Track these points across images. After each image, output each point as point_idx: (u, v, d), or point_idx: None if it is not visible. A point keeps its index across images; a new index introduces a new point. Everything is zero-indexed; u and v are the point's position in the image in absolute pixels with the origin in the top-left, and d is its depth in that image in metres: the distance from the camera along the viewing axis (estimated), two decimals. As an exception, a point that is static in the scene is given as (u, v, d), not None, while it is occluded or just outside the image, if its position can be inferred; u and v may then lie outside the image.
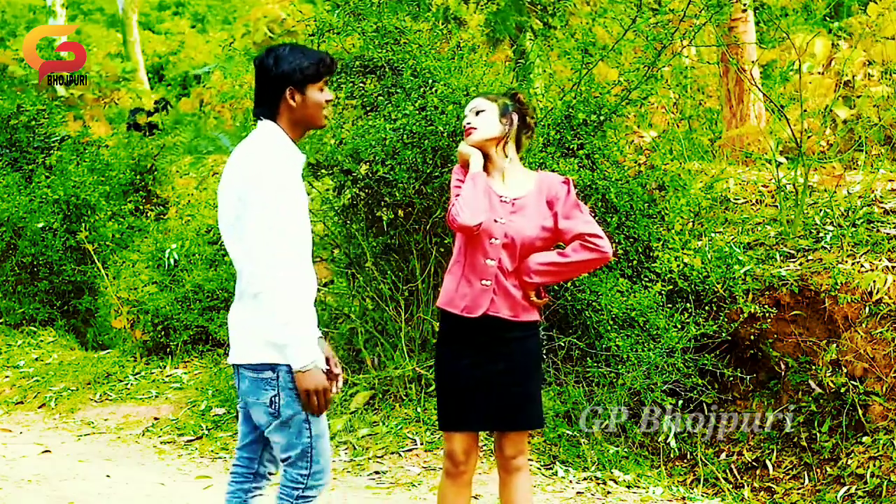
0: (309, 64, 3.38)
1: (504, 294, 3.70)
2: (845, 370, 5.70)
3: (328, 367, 3.35)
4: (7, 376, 8.34)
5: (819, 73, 9.19)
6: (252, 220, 3.22)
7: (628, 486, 5.47)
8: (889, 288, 5.69)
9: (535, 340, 3.83)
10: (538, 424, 3.89)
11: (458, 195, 3.70)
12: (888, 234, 6.05)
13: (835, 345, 5.77)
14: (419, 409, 6.15)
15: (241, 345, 3.35)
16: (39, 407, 7.65)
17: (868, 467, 5.40)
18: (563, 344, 6.05)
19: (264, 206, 3.21)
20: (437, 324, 6.23)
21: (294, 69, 3.36)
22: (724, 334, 5.92)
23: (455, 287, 3.74)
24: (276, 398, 3.29)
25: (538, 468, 5.58)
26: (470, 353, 3.71)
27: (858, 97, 8.37)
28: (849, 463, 5.49)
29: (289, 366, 3.24)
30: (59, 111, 10.87)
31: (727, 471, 5.84)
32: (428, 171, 6.16)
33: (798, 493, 5.60)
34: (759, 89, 8.49)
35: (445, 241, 6.19)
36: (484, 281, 3.68)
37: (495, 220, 3.68)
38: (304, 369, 3.21)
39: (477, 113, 3.81)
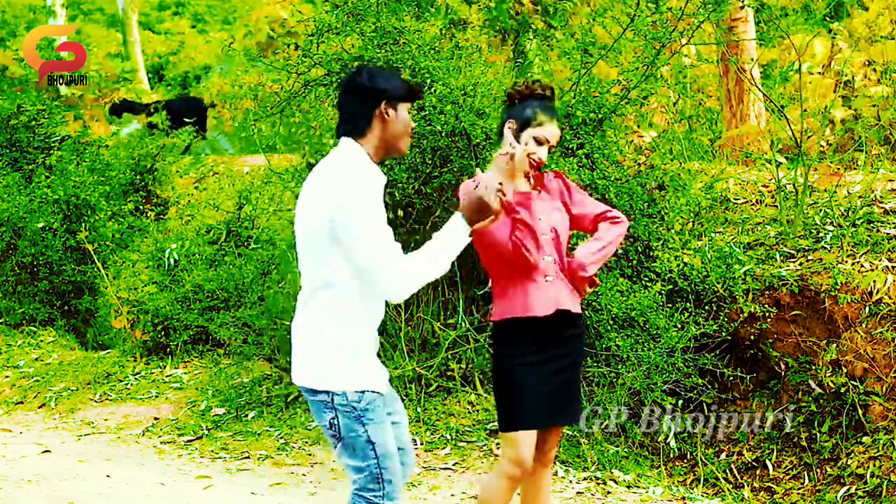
0: (402, 84, 3.41)
1: (564, 286, 3.79)
2: (845, 370, 5.70)
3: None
4: (7, 376, 8.34)
5: (819, 73, 9.19)
6: (356, 237, 3.21)
7: (628, 486, 5.47)
8: (889, 288, 5.69)
9: (584, 336, 3.97)
10: (578, 417, 4.03)
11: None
12: (888, 234, 6.05)
13: (835, 345, 5.77)
14: (419, 410, 6.15)
15: (299, 365, 3.37)
16: (39, 407, 7.65)
17: (868, 467, 5.40)
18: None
19: (363, 225, 3.21)
20: (437, 325, 6.24)
21: (391, 85, 3.38)
22: (724, 334, 5.92)
23: (521, 293, 3.74)
24: (336, 420, 3.30)
25: (538, 468, 5.59)
26: (535, 354, 3.75)
27: (857, 97, 8.37)
28: (849, 463, 5.49)
29: (343, 391, 3.27)
30: (59, 111, 10.87)
31: (727, 471, 5.84)
32: (427, 171, 6.16)
33: (798, 493, 5.60)
34: (759, 89, 8.49)
35: (445, 241, 6.19)
36: (547, 277, 3.75)
37: (540, 218, 3.76)
38: (470, 228, 3.31)
39: (550, 149, 3.79)
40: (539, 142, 3.75)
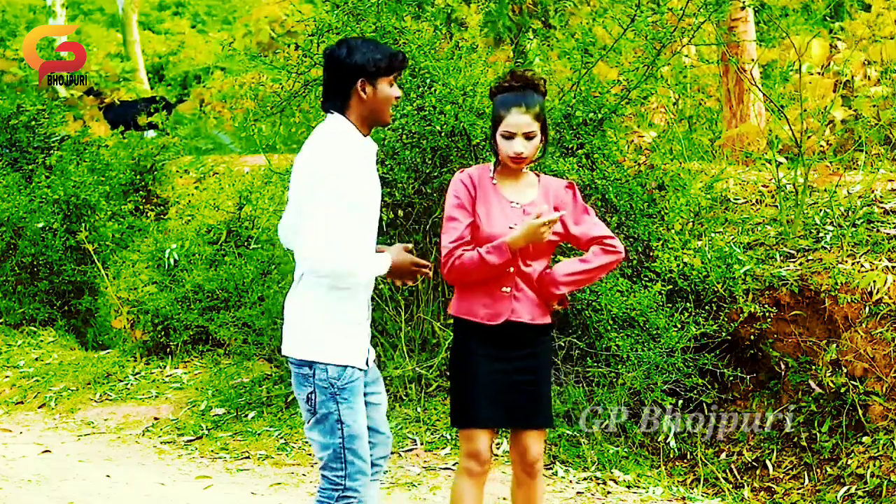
0: (382, 56, 3.36)
1: (524, 298, 3.72)
2: (845, 370, 5.70)
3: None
4: (7, 376, 8.34)
5: (818, 73, 9.19)
6: (316, 201, 3.26)
7: (628, 486, 5.47)
8: (889, 288, 5.69)
9: (551, 342, 3.91)
10: (551, 424, 3.95)
11: (458, 243, 3.67)
12: (888, 234, 6.05)
13: (835, 345, 5.77)
14: (419, 409, 6.15)
15: (287, 336, 3.43)
16: (39, 407, 7.65)
17: (868, 467, 5.40)
18: (563, 344, 6.04)
19: (330, 189, 3.25)
20: (437, 325, 6.24)
21: (367, 60, 3.35)
22: (724, 334, 5.92)
23: (473, 295, 3.73)
24: (313, 395, 3.35)
25: (538, 468, 5.58)
26: (489, 355, 3.72)
27: (857, 97, 8.37)
28: (849, 463, 5.49)
29: (325, 365, 3.31)
30: (59, 111, 10.87)
31: (727, 471, 5.84)
32: (427, 171, 6.16)
33: (798, 493, 5.60)
34: (759, 89, 8.49)
35: (445, 241, 6.19)
36: (504, 288, 3.70)
37: (510, 227, 3.69)
38: (388, 272, 3.39)
39: (527, 137, 3.65)
40: (506, 136, 3.66)
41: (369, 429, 3.48)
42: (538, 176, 3.84)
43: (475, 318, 3.71)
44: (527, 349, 3.74)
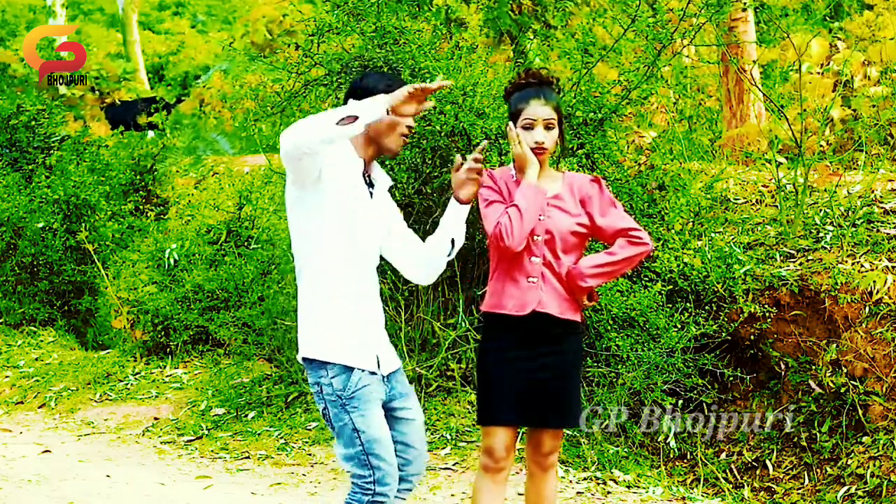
0: (385, 85, 3.39)
1: (551, 290, 3.71)
2: (845, 370, 5.71)
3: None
4: (7, 376, 8.34)
5: (818, 73, 9.20)
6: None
7: (628, 486, 5.47)
8: (889, 288, 5.69)
9: (580, 340, 3.86)
10: (575, 423, 3.92)
11: (502, 209, 3.67)
12: (888, 234, 6.05)
13: (835, 345, 5.77)
14: (419, 409, 6.15)
15: (299, 341, 3.48)
16: (39, 407, 7.65)
17: (868, 467, 5.40)
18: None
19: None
20: (437, 325, 6.25)
21: (373, 86, 3.40)
22: (724, 334, 5.93)
23: (502, 288, 3.73)
24: (326, 411, 3.37)
25: (538, 468, 5.58)
26: (515, 350, 3.71)
27: (856, 97, 8.38)
28: (849, 463, 5.49)
29: (328, 372, 3.33)
30: (59, 111, 10.88)
31: (727, 471, 5.84)
32: (427, 171, 6.16)
33: (798, 493, 5.60)
34: (759, 89, 8.50)
35: (445, 241, 6.19)
36: (531, 278, 3.70)
37: (539, 218, 3.69)
38: (374, 115, 3.21)
39: (547, 127, 3.69)
40: (527, 127, 3.68)
41: (403, 444, 3.49)
42: (562, 172, 3.86)
43: (503, 310, 3.71)
44: (553, 346, 3.73)
